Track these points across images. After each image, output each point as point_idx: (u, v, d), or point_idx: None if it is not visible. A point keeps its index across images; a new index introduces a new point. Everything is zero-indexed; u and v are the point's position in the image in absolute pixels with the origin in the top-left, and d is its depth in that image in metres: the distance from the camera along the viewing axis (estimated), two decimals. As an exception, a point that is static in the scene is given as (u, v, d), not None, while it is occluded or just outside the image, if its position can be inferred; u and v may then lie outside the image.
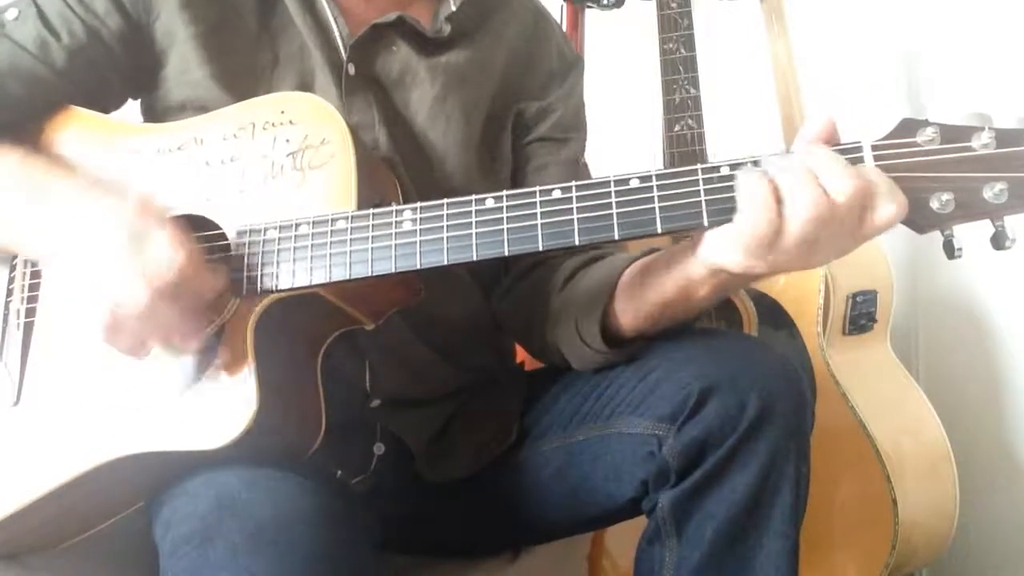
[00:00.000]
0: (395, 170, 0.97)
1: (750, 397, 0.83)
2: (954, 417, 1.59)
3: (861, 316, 1.54)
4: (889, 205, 0.70)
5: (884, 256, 1.59)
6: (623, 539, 1.48)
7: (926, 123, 0.72)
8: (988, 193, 0.70)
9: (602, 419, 0.94)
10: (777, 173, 0.71)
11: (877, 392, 1.52)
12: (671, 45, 1.50)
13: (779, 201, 0.70)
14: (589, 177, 1.06)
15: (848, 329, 1.53)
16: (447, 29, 1.03)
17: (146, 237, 0.77)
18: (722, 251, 0.74)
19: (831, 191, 0.69)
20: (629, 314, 0.90)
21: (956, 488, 1.54)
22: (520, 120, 1.09)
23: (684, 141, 1.49)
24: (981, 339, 1.70)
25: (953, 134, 0.71)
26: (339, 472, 0.99)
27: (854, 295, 1.53)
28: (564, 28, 1.72)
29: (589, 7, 1.72)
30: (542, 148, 1.09)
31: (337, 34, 1.00)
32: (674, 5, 1.50)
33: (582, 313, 0.93)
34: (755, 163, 0.73)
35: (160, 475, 0.85)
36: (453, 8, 1.03)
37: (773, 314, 1.51)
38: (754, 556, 0.85)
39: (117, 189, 0.84)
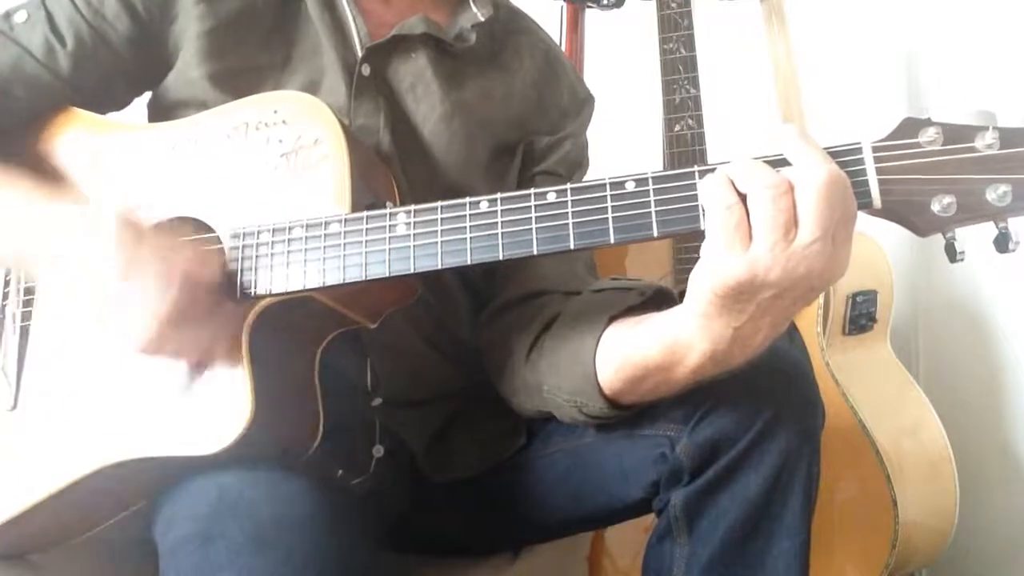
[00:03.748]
0: (393, 170, 0.96)
1: (764, 398, 0.84)
2: (954, 417, 1.59)
3: (861, 316, 1.54)
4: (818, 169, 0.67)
5: (884, 256, 1.59)
6: (623, 539, 1.48)
7: (928, 122, 0.69)
8: (991, 195, 0.67)
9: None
10: (728, 169, 0.70)
11: (877, 392, 1.52)
12: (671, 45, 1.50)
13: (738, 193, 0.68)
14: None
15: (848, 329, 1.53)
16: (472, 38, 1.03)
17: (135, 286, 0.78)
18: (705, 263, 0.71)
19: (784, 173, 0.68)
20: (609, 371, 0.85)
21: (956, 488, 1.54)
22: (529, 151, 1.08)
23: (684, 141, 1.49)
24: (981, 339, 1.70)
25: (956, 134, 0.69)
26: (340, 472, 0.99)
27: (854, 295, 1.53)
28: (564, 28, 1.72)
29: (589, 7, 1.72)
30: (547, 181, 1.08)
31: (355, 33, 1.00)
32: (674, 5, 1.50)
33: (574, 382, 0.88)
34: None
35: (158, 478, 0.85)
36: (481, 19, 1.04)
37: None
38: (765, 554, 0.85)
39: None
